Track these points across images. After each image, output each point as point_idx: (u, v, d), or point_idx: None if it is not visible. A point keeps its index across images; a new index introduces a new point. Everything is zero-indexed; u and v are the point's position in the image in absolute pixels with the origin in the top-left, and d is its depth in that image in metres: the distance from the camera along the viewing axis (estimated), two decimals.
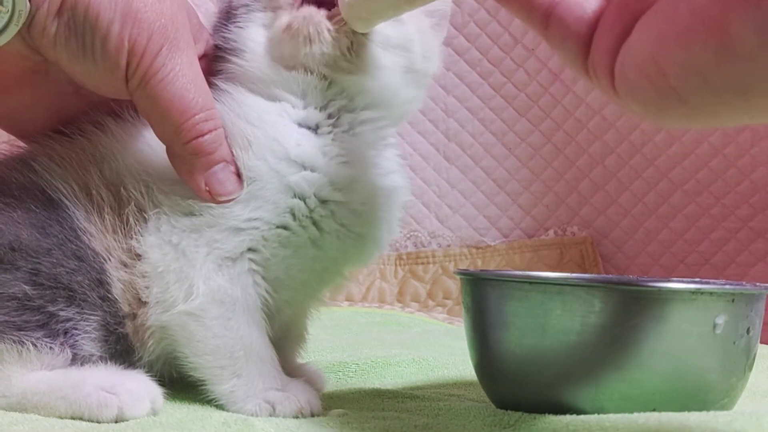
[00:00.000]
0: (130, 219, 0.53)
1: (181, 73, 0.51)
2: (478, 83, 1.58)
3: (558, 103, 1.57)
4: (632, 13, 0.33)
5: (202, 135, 0.52)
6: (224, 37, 0.56)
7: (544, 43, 1.59)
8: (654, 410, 0.48)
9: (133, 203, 0.53)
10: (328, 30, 0.53)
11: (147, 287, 0.53)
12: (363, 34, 0.54)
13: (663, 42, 0.31)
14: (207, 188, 0.52)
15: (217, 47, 0.57)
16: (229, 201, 0.53)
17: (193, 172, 0.52)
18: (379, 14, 0.51)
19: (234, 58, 0.56)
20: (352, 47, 0.54)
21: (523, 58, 1.57)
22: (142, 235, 0.53)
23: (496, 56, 1.57)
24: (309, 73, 0.54)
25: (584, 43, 0.35)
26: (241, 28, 0.56)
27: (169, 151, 0.53)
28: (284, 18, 0.54)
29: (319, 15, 0.53)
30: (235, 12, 0.56)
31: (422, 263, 1.54)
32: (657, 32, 0.31)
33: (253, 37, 0.55)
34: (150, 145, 0.55)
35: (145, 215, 0.53)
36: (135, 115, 0.56)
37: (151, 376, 0.53)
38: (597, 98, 1.56)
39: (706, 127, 0.43)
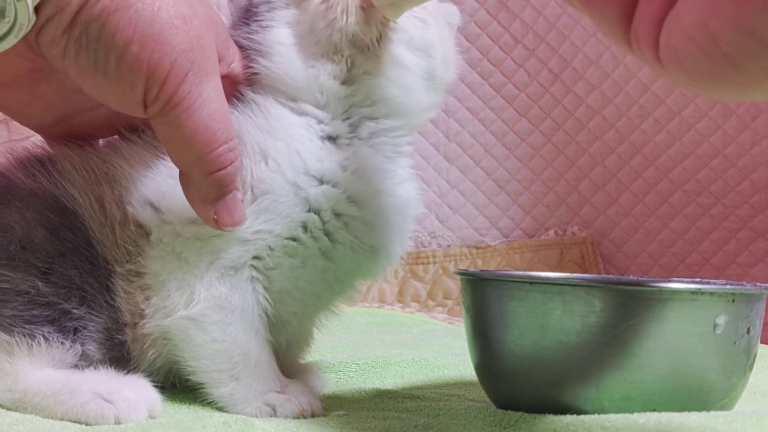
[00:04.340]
0: (129, 240, 0.53)
1: (207, 102, 0.48)
2: (479, 83, 1.58)
3: (558, 103, 1.57)
4: None
5: (224, 167, 0.49)
6: (247, 37, 0.55)
7: (544, 44, 1.60)
8: (654, 410, 0.48)
9: (132, 223, 0.53)
10: (362, 8, 0.52)
11: (147, 299, 0.53)
12: (390, 30, 0.54)
13: (714, 4, 0.29)
14: (215, 217, 0.51)
15: (239, 46, 0.56)
16: (233, 229, 0.51)
17: (206, 201, 0.50)
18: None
19: (259, 59, 0.55)
20: (380, 39, 0.54)
21: (523, 58, 1.57)
22: (143, 252, 0.53)
23: (497, 56, 1.57)
24: (337, 59, 0.54)
25: (626, 12, 0.33)
26: (264, 27, 0.55)
27: (185, 179, 0.51)
28: None
29: None
30: (256, 10, 0.56)
31: (422, 263, 1.54)
32: None
33: (279, 37, 0.54)
34: (155, 167, 0.54)
35: (146, 231, 0.53)
36: (142, 137, 0.55)
37: (151, 380, 0.52)
38: (597, 98, 1.56)
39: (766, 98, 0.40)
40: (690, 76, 0.31)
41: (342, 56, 0.54)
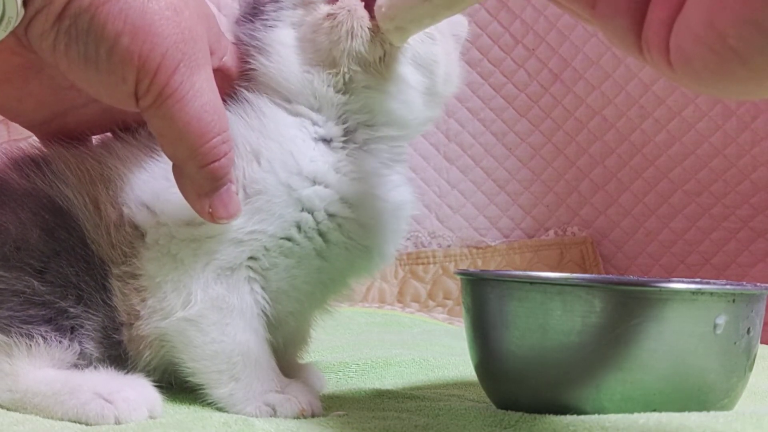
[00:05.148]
0: (124, 242, 0.53)
1: (199, 93, 0.47)
2: (479, 83, 1.58)
3: (558, 104, 1.58)
4: None
5: (218, 159, 0.49)
6: (250, 34, 0.55)
7: (544, 44, 1.60)
8: (654, 410, 0.48)
9: (127, 225, 0.53)
10: (369, 29, 0.52)
11: (143, 300, 0.53)
12: (396, 48, 0.53)
13: (720, 3, 0.29)
14: (210, 210, 0.50)
15: (241, 41, 0.56)
16: (228, 222, 0.51)
17: (201, 194, 0.50)
18: (418, 23, 0.50)
19: (258, 57, 0.55)
20: (384, 58, 0.53)
21: (523, 58, 1.57)
22: (138, 254, 0.53)
23: (497, 56, 1.58)
24: (334, 72, 0.53)
25: (637, 19, 0.33)
26: (269, 26, 0.54)
27: (179, 171, 0.50)
28: (324, 8, 0.53)
29: (362, 10, 0.52)
30: (262, 9, 0.55)
31: (422, 263, 1.54)
32: None
33: (281, 38, 0.54)
34: (149, 168, 0.54)
35: (141, 232, 0.53)
36: (136, 137, 0.55)
37: (151, 380, 0.52)
38: (597, 99, 1.56)
39: None
40: (699, 76, 0.31)
41: (339, 71, 0.53)
